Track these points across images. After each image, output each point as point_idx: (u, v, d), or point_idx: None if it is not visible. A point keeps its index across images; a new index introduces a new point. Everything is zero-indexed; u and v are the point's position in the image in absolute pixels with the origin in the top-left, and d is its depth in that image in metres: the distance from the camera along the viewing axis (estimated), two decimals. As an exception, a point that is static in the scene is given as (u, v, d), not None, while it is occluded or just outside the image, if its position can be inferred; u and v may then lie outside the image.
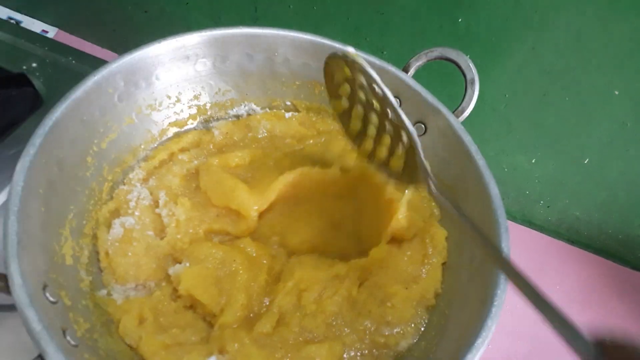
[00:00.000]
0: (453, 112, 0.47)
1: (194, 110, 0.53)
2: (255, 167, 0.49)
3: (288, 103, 0.55)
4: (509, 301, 0.56)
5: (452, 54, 0.48)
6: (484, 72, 0.58)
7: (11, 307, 0.32)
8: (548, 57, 0.55)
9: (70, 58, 0.69)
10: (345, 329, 0.41)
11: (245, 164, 0.50)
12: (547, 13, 0.52)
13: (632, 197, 0.64)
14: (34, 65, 0.68)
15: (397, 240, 0.47)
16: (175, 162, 0.49)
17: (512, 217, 0.74)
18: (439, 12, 0.57)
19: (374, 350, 0.41)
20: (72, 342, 0.34)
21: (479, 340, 0.34)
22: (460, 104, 0.48)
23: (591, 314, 0.66)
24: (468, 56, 0.58)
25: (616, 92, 0.55)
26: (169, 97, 0.50)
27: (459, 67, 0.47)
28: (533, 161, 0.66)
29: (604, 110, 0.57)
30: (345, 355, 0.40)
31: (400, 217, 0.45)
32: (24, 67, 0.67)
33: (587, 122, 0.59)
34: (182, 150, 0.51)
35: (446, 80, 0.61)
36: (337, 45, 0.49)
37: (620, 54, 0.52)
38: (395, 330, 0.41)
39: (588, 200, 0.67)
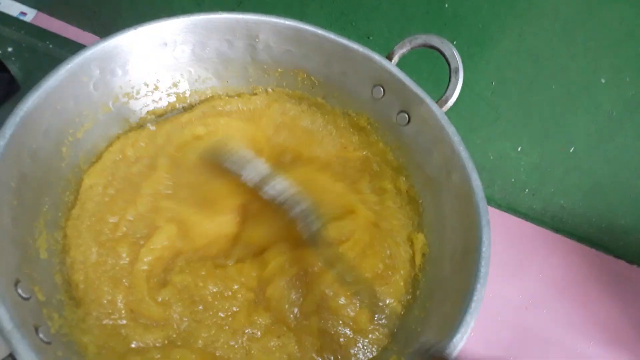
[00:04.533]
0: (437, 102, 0.46)
1: (173, 98, 0.51)
2: None
3: (270, 90, 0.54)
4: (492, 289, 0.57)
5: (436, 41, 0.47)
6: (471, 59, 0.58)
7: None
8: (535, 44, 0.55)
9: (48, 42, 0.67)
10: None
11: None
12: (534, -1, 0.51)
13: (616, 186, 0.64)
14: (10, 49, 0.66)
15: None
16: None
17: (497, 204, 0.74)
18: (425, -4, 0.56)
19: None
20: (45, 340, 0.33)
21: (458, 336, 0.34)
22: (445, 93, 0.47)
23: (573, 301, 0.67)
24: (454, 43, 0.58)
25: (603, 81, 0.54)
26: (147, 85, 0.49)
27: (443, 55, 0.46)
28: (519, 149, 0.66)
29: (590, 99, 0.57)
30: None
31: None
32: (0, 52, 0.65)
33: (573, 111, 0.59)
34: None
35: (434, 67, 0.60)
36: (320, 31, 0.48)
37: (608, 42, 0.51)
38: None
39: (573, 189, 0.67)
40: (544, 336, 0.64)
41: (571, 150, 0.63)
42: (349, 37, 0.49)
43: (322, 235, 0.43)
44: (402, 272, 0.45)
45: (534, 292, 0.67)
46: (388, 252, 0.46)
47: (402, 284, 0.45)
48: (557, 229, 0.73)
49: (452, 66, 0.47)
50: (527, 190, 0.71)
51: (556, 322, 0.65)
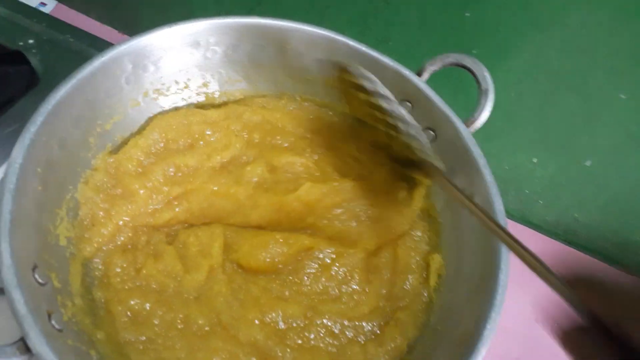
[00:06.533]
0: (464, 121, 0.46)
1: (202, 98, 0.52)
2: None
3: (297, 98, 0.54)
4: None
5: (468, 61, 0.46)
6: (491, 69, 0.57)
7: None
8: (555, 56, 0.55)
9: (68, 35, 0.67)
10: None
11: None
12: (556, 12, 0.51)
13: (632, 203, 0.64)
14: (31, 42, 0.66)
15: None
16: None
17: (510, 215, 0.74)
18: (446, 4, 0.56)
19: None
20: (57, 327, 0.33)
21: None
22: (473, 114, 0.46)
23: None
24: (474, 52, 0.58)
25: (622, 97, 0.55)
26: (177, 83, 0.49)
27: (474, 75, 0.46)
28: (535, 161, 0.66)
29: (609, 114, 0.57)
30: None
31: None
32: (21, 44, 0.66)
33: (591, 125, 0.59)
34: None
35: (464, 83, 0.60)
36: (351, 42, 0.48)
37: (630, 58, 0.52)
38: None
39: (588, 202, 0.67)
40: (554, 349, 0.63)
41: (588, 164, 0.63)
42: (366, 41, 0.48)
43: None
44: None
45: (544, 304, 0.67)
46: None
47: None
48: (569, 242, 0.73)
49: (483, 87, 0.46)
50: (541, 201, 0.71)
51: (566, 335, 0.65)
